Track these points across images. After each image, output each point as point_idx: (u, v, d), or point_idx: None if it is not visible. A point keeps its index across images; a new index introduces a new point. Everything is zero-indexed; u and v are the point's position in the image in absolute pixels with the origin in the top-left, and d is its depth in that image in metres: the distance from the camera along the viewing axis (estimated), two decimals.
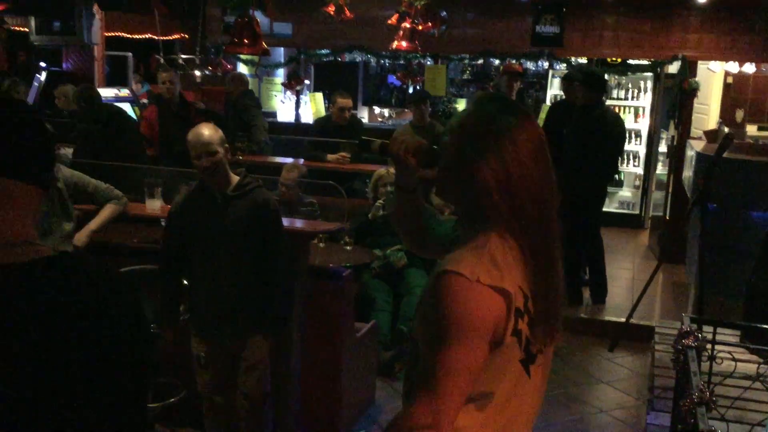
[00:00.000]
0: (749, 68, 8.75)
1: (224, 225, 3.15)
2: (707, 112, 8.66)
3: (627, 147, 9.03)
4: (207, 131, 3.15)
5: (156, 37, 8.44)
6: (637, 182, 9.28)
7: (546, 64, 8.17)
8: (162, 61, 8.46)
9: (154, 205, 4.68)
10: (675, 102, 7.76)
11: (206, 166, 3.11)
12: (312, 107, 9.43)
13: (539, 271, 1.50)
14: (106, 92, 8.65)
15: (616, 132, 5.99)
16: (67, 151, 6.80)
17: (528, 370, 1.53)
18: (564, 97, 7.02)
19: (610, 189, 9.24)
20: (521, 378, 1.53)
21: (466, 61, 8.96)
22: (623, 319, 5.51)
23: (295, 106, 9.75)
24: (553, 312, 1.54)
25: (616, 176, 9.32)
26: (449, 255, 1.50)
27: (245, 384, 3.28)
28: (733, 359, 2.85)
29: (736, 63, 8.39)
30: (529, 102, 9.34)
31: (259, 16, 5.86)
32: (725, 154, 4.59)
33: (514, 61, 7.67)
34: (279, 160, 6.57)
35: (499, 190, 1.47)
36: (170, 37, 9.69)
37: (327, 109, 9.09)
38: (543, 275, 1.51)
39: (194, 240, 3.22)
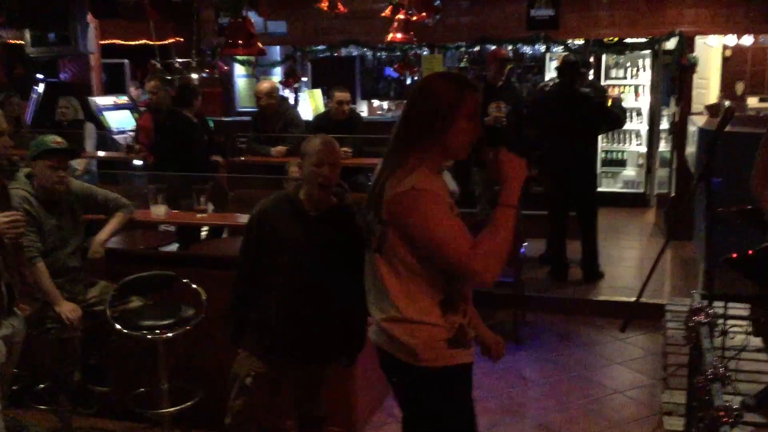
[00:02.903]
0: (747, 40, 8.71)
1: (316, 245, 2.90)
2: (707, 86, 8.62)
3: (629, 126, 9.04)
4: (335, 143, 2.94)
5: (151, 43, 8.44)
6: (641, 161, 9.25)
7: (543, 48, 8.13)
8: (159, 66, 8.47)
9: (159, 211, 4.69)
10: (674, 78, 7.72)
11: (327, 176, 2.84)
12: (311, 104, 9.43)
13: None
14: (105, 100, 8.66)
15: (585, 110, 6.05)
16: (79, 163, 6.82)
17: None
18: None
19: (613, 169, 9.31)
20: None
21: (463, 49, 8.93)
22: (633, 299, 5.50)
23: (293, 103, 9.75)
24: None
25: (619, 155, 9.34)
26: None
27: (307, 409, 3.15)
28: (746, 333, 2.85)
29: (734, 36, 8.34)
30: (515, 85, 9.30)
31: (253, 16, 5.85)
32: (727, 128, 4.57)
33: (509, 47, 7.65)
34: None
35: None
36: (165, 42, 9.70)
37: (326, 105, 9.09)
38: None
39: (275, 256, 2.93)
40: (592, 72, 8.75)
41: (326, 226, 2.91)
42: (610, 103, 7.26)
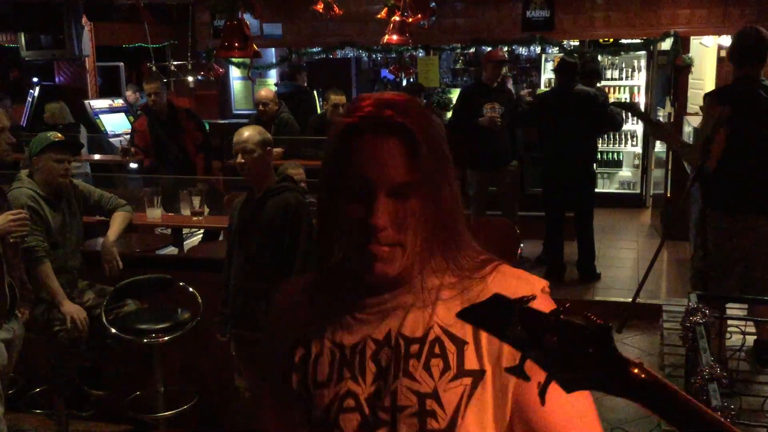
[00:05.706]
0: None
1: (255, 224, 3.25)
2: (702, 87, 8.61)
3: (625, 127, 9.04)
4: (248, 131, 3.24)
5: (146, 45, 8.43)
6: (637, 161, 9.25)
7: (538, 49, 8.15)
8: (154, 69, 8.46)
9: (155, 214, 4.68)
10: (669, 79, 7.74)
11: (240, 163, 3.19)
12: None
13: None
14: (100, 103, 8.65)
15: (591, 111, 6.05)
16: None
17: None
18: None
19: (609, 169, 9.31)
20: None
21: (458, 51, 8.95)
22: (630, 299, 5.51)
23: None
24: None
25: (615, 156, 9.35)
26: None
27: None
28: (742, 333, 2.85)
29: (729, 36, 8.35)
30: (512, 88, 9.31)
31: (249, 18, 5.85)
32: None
33: (504, 48, 7.67)
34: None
35: None
36: (161, 45, 9.69)
37: (321, 107, 9.08)
38: None
39: (233, 237, 3.36)
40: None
41: (266, 205, 3.25)
42: None
